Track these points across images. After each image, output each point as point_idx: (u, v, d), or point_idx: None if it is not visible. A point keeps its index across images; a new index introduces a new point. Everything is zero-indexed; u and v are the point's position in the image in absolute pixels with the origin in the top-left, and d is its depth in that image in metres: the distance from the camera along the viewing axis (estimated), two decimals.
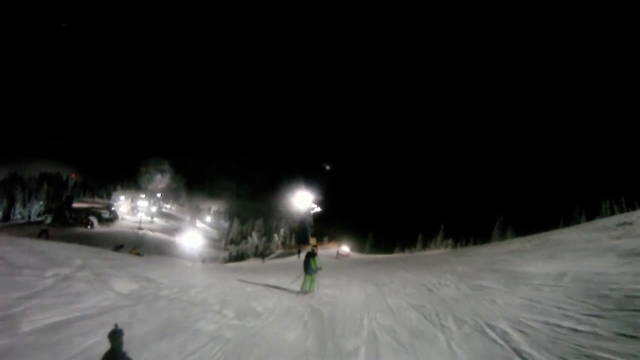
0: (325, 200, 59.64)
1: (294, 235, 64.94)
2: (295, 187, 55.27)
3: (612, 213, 44.06)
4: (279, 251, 53.44)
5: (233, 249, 70.91)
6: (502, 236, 58.98)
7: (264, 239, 63.55)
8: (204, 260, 43.59)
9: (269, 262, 40.99)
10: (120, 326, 4.78)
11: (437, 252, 45.82)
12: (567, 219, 48.84)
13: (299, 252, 40.91)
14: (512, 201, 66.34)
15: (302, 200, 55.08)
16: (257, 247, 64.35)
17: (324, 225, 60.33)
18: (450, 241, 58.33)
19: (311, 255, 10.31)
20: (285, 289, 11.88)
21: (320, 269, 10.47)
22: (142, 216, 76.61)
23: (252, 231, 70.40)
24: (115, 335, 4.15)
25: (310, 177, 57.10)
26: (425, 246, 61.90)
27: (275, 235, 59.18)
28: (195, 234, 61.51)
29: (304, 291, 10.14)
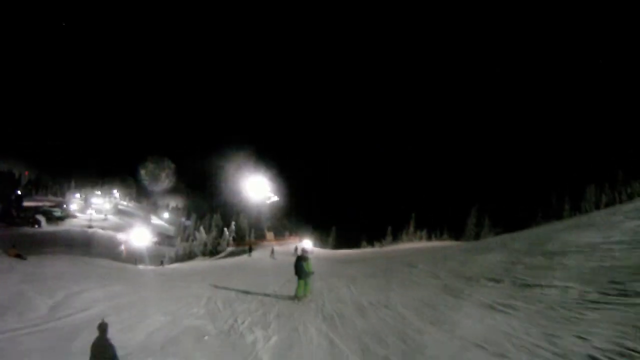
0: (285, 190, 56.74)
1: (250, 230, 61.13)
2: (250, 174, 51.62)
3: (598, 199, 44.99)
4: (229, 249, 49.55)
5: (180, 246, 66.27)
6: (478, 226, 59.51)
7: (211, 234, 59.09)
8: (136, 260, 39.07)
9: (214, 262, 37.24)
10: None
11: (414, 246, 44.62)
12: (545, 207, 49.42)
13: (249, 250, 37.32)
14: (487, 189, 66.45)
15: (258, 189, 51.41)
16: (205, 245, 59.80)
17: (283, 218, 56.81)
18: (424, 233, 57.33)
19: (302, 259, 10.16)
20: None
21: (312, 273, 10.32)
22: (92, 214, 77.30)
23: (201, 226, 65.65)
24: (102, 326, 4.77)
25: (266, 162, 53.37)
26: (395, 239, 60.69)
27: (226, 231, 54.91)
28: (143, 232, 60.64)
29: (299, 297, 9.93)
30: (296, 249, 37.23)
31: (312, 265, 10.28)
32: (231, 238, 53.98)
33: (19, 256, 17.73)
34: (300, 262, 10.00)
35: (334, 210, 78.88)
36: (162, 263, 39.40)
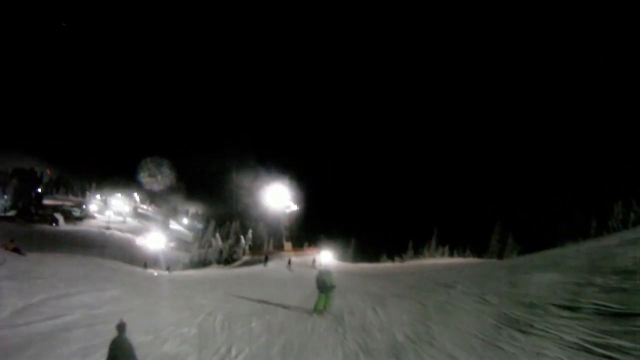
0: (305, 200, 54.92)
1: (269, 239, 59.51)
2: (270, 182, 50.04)
3: (626, 216, 41.63)
4: (245, 258, 47.95)
5: (195, 253, 65.39)
6: (501, 242, 56.45)
7: (229, 242, 57.67)
8: (146, 264, 38.48)
9: (228, 270, 35.72)
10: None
11: (438, 262, 41.96)
12: (570, 224, 46.31)
13: (265, 260, 35.56)
14: (510, 204, 63.54)
15: (277, 198, 49.74)
16: (221, 252, 58.44)
17: (302, 229, 54.95)
18: (446, 249, 54.42)
19: (325, 272, 9.84)
20: None
21: (334, 287, 9.68)
22: (110, 215, 78.06)
23: (217, 233, 64.55)
24: (120, 326, 4.61)
25: (288, 172, 51.92)
26: (417, 254, 57.96)
27: (242, 239, 53.39)
28: (159, 236, 60.82)
29: (318, 311, 9.21)
30: (314, 261, 35.36)
31: (334, 278, 9.77)
32: (247, 247, 52.36)
33: (16, 250, 16.54)
34: (322, 276, 9.61)
35: (353, 223, 76.74)
36: (168, 269, 38.03)
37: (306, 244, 51.06)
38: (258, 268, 33.89)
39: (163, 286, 17.99)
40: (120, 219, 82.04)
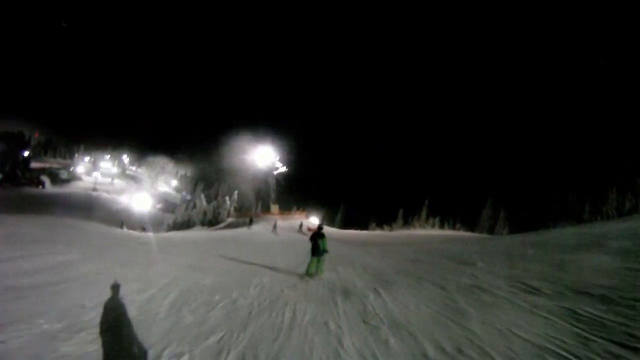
0: (295, 162, 52.20)
1: (256, 201, 57.21)
2: (260, 142, 46.94)
3: (621, 204, 40.52)
4: (229, 220, 45.65)
5: (179, 215, 63.15)
6: (492, 218, 55.44)
7: (213, 203, 55.33)
8: (123, 224, 36.44)
9: (210, 232, 33.51)
10: None
11: (430, 233, 40.32)
12: (562, 207, 46.45)
13: (250, 222, 33.33)
14: (503, 182, 62.08)
15: (265, 158, 46.88)
16: (205, 213, 56.15)
17: (290, 192, 52.51)
18: (436, 220, 52.89)
19: (319, 236, 9.30)
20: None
21: (327, 252, 9.28)
22: (98, 177, 77.84)
23: (202, 194, 62.12)
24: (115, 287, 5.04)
25: (279, 132, 48.87)
26: (406, 224, 56.47)
27: (227, 200, 51.02)
28: (145, 197, 61.18)
29: (309, 274, 8.92)
30: (301, 225, 33.26)
31: (327, 243, 9.36)
32: (232, 208, 50.06)
33: None
34: (316, 240, 9.24)
35: (343, 189, 74.74)
36: (144, 230, 35.66)
37: (294, 207, 48.80)
38: (242, 231, 31.68)
39: (129, 249, 15.65)
40: (108, 180, 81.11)
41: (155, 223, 55.03)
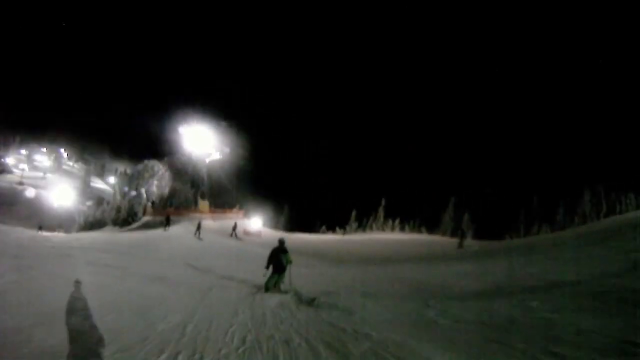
0: (233, 151, 44.22)
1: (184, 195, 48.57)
2: (193, 124, 38.09)
3: (598, 206, 38.82)
4: (145, 218, 37.02)
5: (90, 212, 53.07)
6: (454, 220, 52.08)
7: (127, 197, 46.14)
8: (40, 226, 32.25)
9: (113, 235, 25.79)
10: None
11: (395, 237, 34.94)
12: (527, 210, 44.20)
13: (167, 222, 26.30)
14: (467, 182, 59.18)
15: (199, 143, 38.06)
16: (119, 210, 46.66)
17: (225, 186, 44.33)
18: (396, 223, 47.85)
19: (281, 250, 8.38)
20: None
21: (291, 262, 8.40)
22: (25, 169, 76.34)
23: (115, 186, 53.00)
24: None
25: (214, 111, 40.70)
26: (360, 226, 50.98)
27: (143, 192, 42.07)
28: (67, 190, 57.41)
29: (268, 288, 8.03)
30: (235, 227, 26.22)
31: (290, 256, 8.37)
32: (150, 204, 41.23)
33: None
34: (279, 255, 8.29)
35: (288, 187, 67.97)
36: (40, 229, 30.53)
37: (236, 206, 40.83)
38: (156, 233, 25.37)
39: None
40: (40, 174, 78.57)
41: (72, 221, 51.61)
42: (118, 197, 49.03)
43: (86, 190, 74.54)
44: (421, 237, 36.63)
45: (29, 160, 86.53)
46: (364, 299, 6.34)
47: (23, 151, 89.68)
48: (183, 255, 14.75)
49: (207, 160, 36.87)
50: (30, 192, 64.44)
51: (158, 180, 54.85)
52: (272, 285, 8.03)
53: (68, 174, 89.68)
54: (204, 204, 35.88)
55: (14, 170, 77.06)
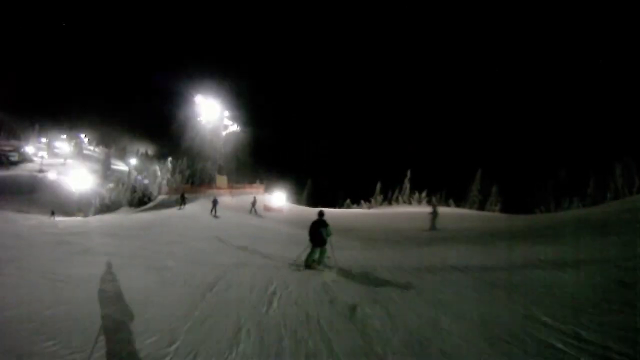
0: (252, 122, 42.20)
1: (198, 171, 47.01)
2: (204, 89, 36.00)
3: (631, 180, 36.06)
4: (160, 197, 35.81)
5: (107, 195, 52.82)
6: (481, 192, 49.29)
7: (137, 180, 45.11)
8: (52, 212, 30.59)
9: (128, 216, 24.69)
10: None
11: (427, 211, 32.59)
12: (555, 182, 44.23)
13: (182, 200, 25.25)
14: (494, 152, 56.49)
15: (211, 113, 36.16)
16: (134, 191, 45.80)
17: (243, 160, 42.55)
18: (423, 196, 45.32)
19: (321, 223, 7.79)
20: None
21: (331, 234, 7.88)
22: (44, 157, 77.66)
23: (132, 165, 52.07)
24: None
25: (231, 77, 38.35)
26: (386, 199, 48.98)
27: (158, 171, 40.71)
28: (85, 175, 57.37)
29: (309, 264, 7.73)
30: (254, 202, 24.57)
31: (331, 229, 7.85)
32: (165, 182, 39.92)
33: None
34: (319, 228, 7.74)
35: (311, 159, 66.15)
36: (53, 214, 29.67)
37: (252, 180, 39.14)
38: (170, 212, 23.49)
39: None
40: (61, 161, 79.74)
41: (89, 205, 51.77)
42: (133, 177, 48.36)
43: (106, 173, 75.69)
44: (449, 210, 34.24)
45: (49, 147, 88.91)
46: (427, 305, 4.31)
47: (43, 139, 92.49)
48: (195, 236, 13.21)
49: (224, 133, 34.91)
50: (52, 175, 65.38)
51: (174, 160, 54.28)
52: (312, 261, 7.73)
53: (89, 158, 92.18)
54: (221, 180, 34.25)
55: (34, 158, 79.22)
